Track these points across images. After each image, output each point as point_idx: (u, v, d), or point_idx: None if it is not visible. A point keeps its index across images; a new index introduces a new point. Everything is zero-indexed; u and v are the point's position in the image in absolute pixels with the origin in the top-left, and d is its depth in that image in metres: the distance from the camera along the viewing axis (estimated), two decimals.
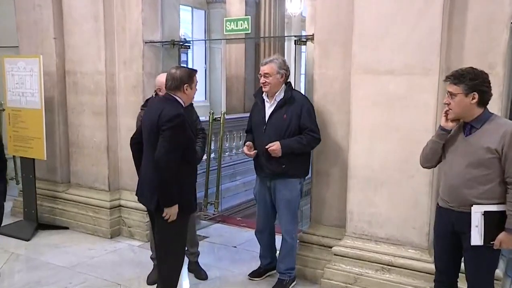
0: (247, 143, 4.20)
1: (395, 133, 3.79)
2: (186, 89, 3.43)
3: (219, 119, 6.83)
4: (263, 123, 4.12)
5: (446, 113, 2.97)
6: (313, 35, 4.38)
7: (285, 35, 14.26)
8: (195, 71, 3.54)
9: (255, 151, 4.14)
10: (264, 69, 4.07)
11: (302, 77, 13.51)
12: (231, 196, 8.43)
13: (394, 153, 3.82)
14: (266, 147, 3.99)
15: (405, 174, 3.78)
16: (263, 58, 12.03)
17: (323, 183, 4.45)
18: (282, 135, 4.02)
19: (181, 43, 5.72)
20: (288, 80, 4.16)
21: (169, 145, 3.24)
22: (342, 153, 4.26)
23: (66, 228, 5.90)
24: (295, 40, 4.72)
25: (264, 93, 4.15)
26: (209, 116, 6.83)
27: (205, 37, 13.18)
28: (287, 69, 4.13)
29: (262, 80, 4.09)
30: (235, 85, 12.80)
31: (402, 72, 3.71)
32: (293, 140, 4.01)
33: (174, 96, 3.42)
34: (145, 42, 5.41)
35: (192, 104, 4.30)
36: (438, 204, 3.13)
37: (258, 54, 12.64)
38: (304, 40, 4.63)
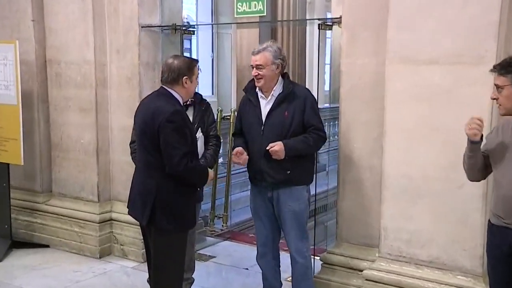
0: (238, 149, 4.10)
1: (439, 134, 3.73)
2: (185, 83, 3.45)
3: (228, 117, 6.78)
4: (259, 123, 4.06)
5: (477, 124, 2.89)
6: (340, 17, 4.38)
7: (307, 18, 14.18)
8: (196, 61, 3.59)
9: (245, 156, 4.07)
10: (256, 59, 4.00)
11: (327, 68, 13.46)
12: (242, 208, 8.33)
13: (438, 159, 3.76)
14: (267, 148, 3.94)
15: (452, 184, 3.72)
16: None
17: (351, 194, 4.44)
18: (284, 135, 3.98)
19: (184, 28, 5.73)
20: (284, 71, 4.14)
21: (179, 149, 3.29)
22: (373, 159, 4.24)
23: (46, 246, 5.89)
24: (319, 24, 4.72)
25: (257, 88, 4.11)
26: (217, 114, 6.78)
27: (212, 21, 13.12)
28: (284, 59, 4.09)
29: (254, 72, 4.03)
30: (247, 78, 12.75)
31: (448, 60, 3.65)
32: (298, 140, 3.97)
33: (170, 91, 3.45)
34: (142, 27, 5.40)
35: (208, 103, 4.32)
36: (489, 221, 3.06)
37: (275, 40, 12.61)
38: (330, 24, 4.64)
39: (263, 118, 4.05)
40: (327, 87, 12.05)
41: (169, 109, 3.30)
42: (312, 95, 4.13)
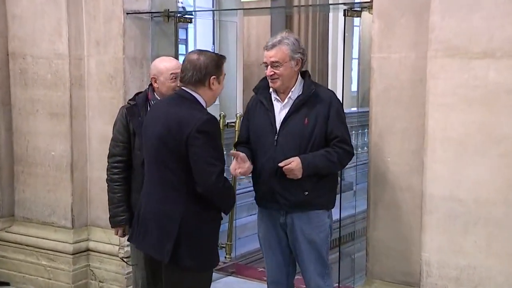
0: (237, 152, 4.05)
1: (497, 145, 3.67)
2: (213, 84, 3.51)
3: (233, 124, 6.71)
4: (272, 132, 4.05)
5: None
6: (371, 1, 4.40)
7: (330, 2, 14.18)
8: (224, 57, 3.63)
9: (249, 165, 4.03)
10: (270, 55, 3.97)
11: (355, 64, 13.42)
12: (249, 236, 8.33)
13: (496, 176, 3.69)
14: (281, 164, 3.92)
15: None
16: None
17: (384, 219, 4.46)
18: (304, 148, 3.97)
19: (179, 15, 5.74)
20: (305, 69, 4.15)
21: (216, 166, 3.40)
22: (413, 176, 4.25)
23: (6, 284, 5.88)
24: (344, 10, 4.73)
25: (271, 88, 4.11)
26: (220, 120, 6.70)
27: (213, 6, 13.18)
28: (304, 52, 4.09)
29: (268, 71, 4.01)
30: (256, 75, 12.73)
31: (509, 53, 3.58)
32: (318, 155, 3.96)
33: (193, 94, 3.49)
34: (127, 13, 5.42)
35: None
36: None
37: (290, 30, 12.61)
38: (358, 9, 4.64)
39: (277, 125, 4.03)
40: (354, 88, 12.03)
41: (200, 116, 3.36)
42: (338, 99, 4.12)
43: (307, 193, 3.97)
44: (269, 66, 3.98)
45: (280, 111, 4.06)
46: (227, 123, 6.77)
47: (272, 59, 3.95)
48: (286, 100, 4.04)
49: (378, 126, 4.33)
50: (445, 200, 3.86)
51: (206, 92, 3.50)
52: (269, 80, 4.03)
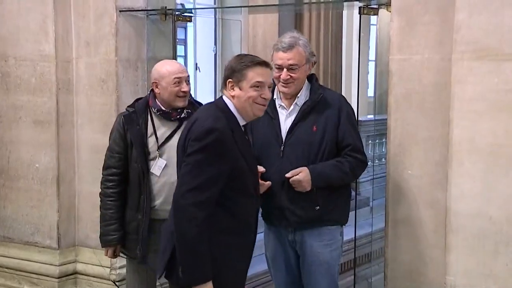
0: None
1: None
2: (232, 89, 3.47)
3: None
4: (278, 142, 4.08)
5: None
6: None
7: None
8: (259, 63, 3.49)
9: (268, 182, 4.03)
10: (289, 57, 3.99)
11: (371, 67, 13.41)
12: (256, 257, 8.21)
13: None
14: (288, 175, 3.95)
15: None
16: (310, 35, 12.00)
17: (404, 239, 4.46)
18: (313, 158, 4.00)
19: (177, 13, 5.74)
20: (311, 72, 4.19)
21: (192, 179, 3.29)
22: (436, 191, 4.25)
23: None
24: (360, 8, 4.74)
25: (275, 94, 4.13)
26: None
27: (215, 3, 13.19)
28: (314, 55, 4.18)
29: (284, 75, 4.01)
30: None
31: None
32: (329, 165, 4.01)
33: (224, 98, 3.51)
34: (120, 11, 5.43)
35: None
36: None
37: (300, 30, 12.60)
38: (375, 6, 4.66)
39: (283, 134, 4.05)
40: (371, 93, 12.03)
41: (206, 124, 3.33)
42: (348, 102, 4.18)
43: (318, 207, 3.98)
44: (284, 69, 3.98)
45: (286, 119, 4.09)
46: None
47: (291, 62, 3.97)
48: (292, 106, 4.07)
49: (397, 135, 4.33)
50: (473, 218, 3.86)
51: (231, 97, 3.46)
52: (282, 85, 4.03)
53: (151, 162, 4.20)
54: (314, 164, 3.96)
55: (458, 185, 3.90)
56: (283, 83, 4.01)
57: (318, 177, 3.93)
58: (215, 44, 13.20)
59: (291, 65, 3.97)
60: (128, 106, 4.44)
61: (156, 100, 4.22)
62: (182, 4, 10.44)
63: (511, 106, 3.69)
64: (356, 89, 7.03)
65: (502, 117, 3.72)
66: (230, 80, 3.43)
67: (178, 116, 4.21)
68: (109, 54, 5.43)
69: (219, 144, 3.30)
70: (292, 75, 3.98)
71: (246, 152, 3.52)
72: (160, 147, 4.20)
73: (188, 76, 4.29)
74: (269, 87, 3.47)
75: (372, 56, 14.09)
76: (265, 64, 3.48)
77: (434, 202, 4.22)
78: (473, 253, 3.87)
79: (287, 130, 4.05)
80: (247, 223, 3.52)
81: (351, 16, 13.35)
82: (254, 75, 3.40)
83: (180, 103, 4.20)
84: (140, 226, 4.22)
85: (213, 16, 12.35)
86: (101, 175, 4.31)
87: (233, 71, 3.43)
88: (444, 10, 4.02)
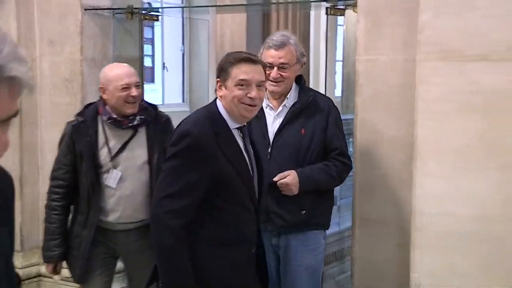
0: None
1: (496, 158, 3.69)
2: (220, 88, 3.31)
3: None
4: (265, 144, 4.05)
5: None
6: None
7: (311, 0, 14.28)
8: (243, 59, 3.30)
9: None
10: (280, 55, 3.97)
11: (339, 67, 13.44)
12: None
13: (495, 192, 3.72)
14: (275, 178, 3.93)
15: None
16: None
17: (371, 237, 4.50)
18: (301, 161, 4.00)
19: (144, 12, 5.77)
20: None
21: (168, 186, 3.18)
22: (403, 190, 4.29)
23: None
24: (327, 8, 4.78)
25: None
26: None
27: (182, 2, 13.14)
28: (304, 55, 4.17)
29: (275, 73, 3.99)
30: None
31: (507, 56, 3.62)
32: (317, 169, 4.01)
33: (217, 102, 3.36)
34: (85, 9, 5.44)
35: (169, 119, 4.28)
36: None
37: (268, 30, 12.57)
38: (342, 7, 4.70)
39: (271, 136, 4.04)
40: (338, 93, 12.04)
41: (184, 127, 3.24)
42: (336, 107, 4.17)
43: (304, 212, 3.98)
44: (275, 68, 3.95)
45: (274, 120, 4.07)
46: None
47: (282, 60, 3.95)
48: (280, 108, 4.06)
49: (364, 135, 4.36)
50: (438, 216, 3.87)
51: (220, 98, 3.31)
52: (271, 84, 3.99)
53: (104, 175, 4.00)
54: (301, 167, 3.95)
55: (422, 185, 3.91)
56: (272, 81, 3.98)
57: (306, 180, 3.91)
58: (183, 43, 13.15)
59: (282, 63, 3.96)
60: (77, 114, 4.21)
61: (106, 107, 4.03)
62: (149, 3, 10.41)
63: (475, 106, 3.71)
64: (323, 89, 7.04)
65: (466, 118, 3.73)
66: (218, 79, 3.31)
67: (130, 124, 4.00)
68: (74, 53, 5.42)
69: (194, 148, 3.16)
70: (283, 74, 3.97)
71: (235, 157, 3.33)
72: (113, 158, 4.00)
73: (138, 81, 4.09)
74: (259, 86, 3.25)
75: (339, 56, 14.16)
76: (250, 60, 3.27)
77: (400, 201, 4.27)
78: (437, 251, 3.89)
79: (274, 132, 4.04)
80: (241, 234, 3.34)
81: (318, 16, 13.41)
82: (238, 72, 3.22)
83: (129, 110, 3.97)
84: (82, 243, 4.05)
85: (181, 16, 12.33)
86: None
87: (220, 70, 3.30)
88: (410, 11, 4.03)
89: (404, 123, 4.17)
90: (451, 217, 3.83)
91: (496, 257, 3.75)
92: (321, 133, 4.00)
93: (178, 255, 3.15)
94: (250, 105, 3.24)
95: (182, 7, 12.64)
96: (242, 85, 3.20)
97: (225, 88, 3.25)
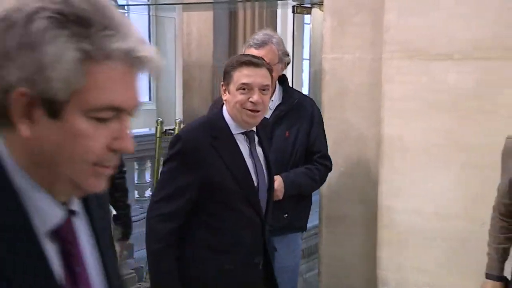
0: None
1: (461, 155, 3.74)
2: (225, 92, 3.18)
3: (172, 131, 6.71)
4: None
5: None
6: None
7: None
8: (244, 62, 3.17)
9: None
10: (260, 54, 3.79)
11: (305, 65, 13.50)
12: None
13: (459, 188, 3.77)
14: None
15: (477, 223, 3.69)
16: (244, 34, 12.00)
17: (337, 235, 4.50)
18: (285, 164, 3.92)
19: None
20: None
21: (160, 190, 3.18)
22: (369, 188, 4.27)
23: None
24: (293, 7, 4.87)
25: None
26: (156, 127, 6.72)
27: (148, 0, 13.12)
28: (288, 54, 4.07)
29: None
30: (198, 77, 12.60)
31: (471, 55, 3.67)
32: (300, 174, 3.93)
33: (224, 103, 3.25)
34: None
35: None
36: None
37: (234, 28, 12.55)
38: (308, 5, 4.78)
39: None
40: (305, 91, 12.06)
41: (181, 131, 3.30)
42: (319, 108, 4.11)
43: (286, 215, 3.93)
44: None
45: None
46: (165, 130, 6.78)
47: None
48: None
49: (331, 133, 4.30)
50: (404, 213, 3.92)
51: (225, 102, 3.19)
52: None
53: None
54: (286, 171, 3.88)
55: (389, 182, 3.96)
56: None
57: (291, 185, 3.84)
58: (149, 41, 13.10)
59: None
60: None
61: None
62: (114, 0, 10.37)
63: (439, 105, 3.75)
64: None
65: (431, 116, 3.78)
66: (222, 83, 3.20)
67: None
68: None
69: (185, 152, 3.07)
70: None
71: (233, 161, 3.18)
72: None
73: None
74: (262, 90, 3.09)
75: (306, 55, 14.21)
76: (253, 63, 3.12)
77: (367, 198, 4.26)
78: (403, 247, 3.94)
79: None
80: (236, 240, 3.17)
81: (285, 15, 13.46)
82: (240, 76, 3.09)
83: None
84: None
85: (147, 13, 12.29)
86: None
87: (224, 73, 3.17)
88: (376, 11, 4.05)
89: (370, 122, 4.18)
90: (416, 215, 3.88)
91: (459, 253, 3.79)
92: (305, 136, 3.95)
93: (166, 260, 3.08)
94: (252, 110, 3.10)
95: (148, 5, 12.62)
96: (244, 89, 3.08)
97: (229, 92, 3.14)
